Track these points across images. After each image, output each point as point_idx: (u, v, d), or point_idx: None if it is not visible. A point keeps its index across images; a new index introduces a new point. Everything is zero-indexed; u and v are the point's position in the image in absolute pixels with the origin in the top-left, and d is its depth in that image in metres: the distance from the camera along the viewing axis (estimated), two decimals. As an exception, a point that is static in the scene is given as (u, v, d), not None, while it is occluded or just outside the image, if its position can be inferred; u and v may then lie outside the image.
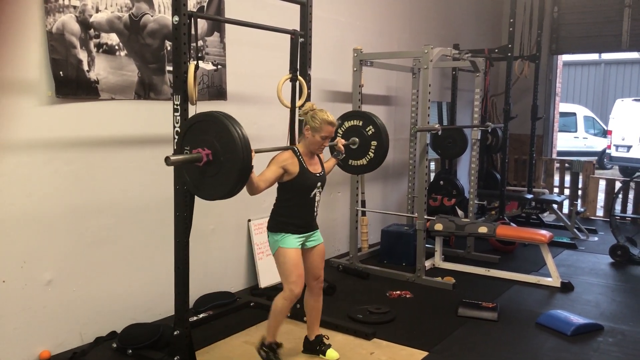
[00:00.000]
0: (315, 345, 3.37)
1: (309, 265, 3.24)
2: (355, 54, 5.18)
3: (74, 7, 3.26)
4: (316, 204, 3.18)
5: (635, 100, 13.53)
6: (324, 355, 3.34)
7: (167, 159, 2.64)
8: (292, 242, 3.08)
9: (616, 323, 4.05)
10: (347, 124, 4.07)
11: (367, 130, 3.97)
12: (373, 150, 3.96)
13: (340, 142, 3.62)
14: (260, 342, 3.24)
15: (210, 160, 2.70)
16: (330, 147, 3.77)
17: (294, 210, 3.11)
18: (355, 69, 5.19)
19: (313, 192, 3.13)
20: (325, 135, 3.09)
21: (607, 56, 19.66)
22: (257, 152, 2.86)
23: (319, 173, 3.16)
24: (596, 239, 6.75)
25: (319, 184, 3.15)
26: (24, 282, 3.18)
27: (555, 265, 4.91)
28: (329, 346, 3.37)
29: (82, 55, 3.32)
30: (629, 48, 8.21)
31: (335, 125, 3.15)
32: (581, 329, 3.82)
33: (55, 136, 3.26)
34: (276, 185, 3.13)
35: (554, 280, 4.86)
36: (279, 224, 3.11)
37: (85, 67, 3.34)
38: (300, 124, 3.75)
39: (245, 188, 2.82)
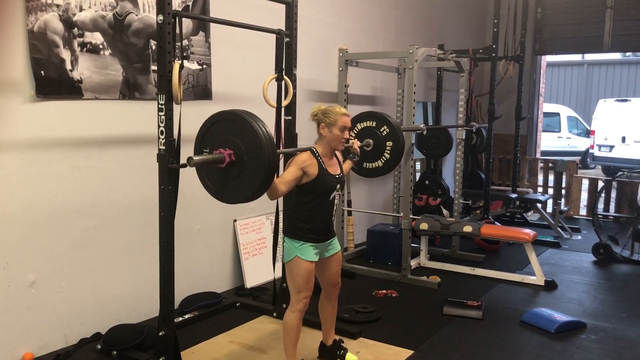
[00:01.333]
0: (335, 350, 3.31)
1: (327, 273, 3.17)
2: (341, 54, 5.19)
3: (57, 5, 3.24)
4: (335, 207, 3.09)
5: (618, 100, 13.71)
6: (344, 359, 3.29)
7: (189, 160, 2.58)
8: (310, 254, 2.97)
9: (599, 320, 4.10)
10: (359, 126, 4.03)
11: (381, 130, 3.91)
12: (389, 151, 3.88)
13: (356, 143, 3.51)
14: None
15: (232, 161, 2.63)
16: (345, 151, 3.71)
17: (312, 213, 2.99)
18: (340, 69, 5.20)
19: (332, 195, 3.01)
20: (343, 126, 2.97)
21: (590, 57, 19.87)
22: (279, 153, 2.78)
23: (338, 175, 3.05)
24: (579, 237, 6.82)
25: (338, 185, 3.04)
26: (7, 283, 3.14)
27: (539, 263, 4.96)
28: (347, 350, 3.33)
29: (65, 55, 3.29)
30: (610, 49, 8.32)
31: (350, 115, 3.05)
32: (564, 326, 3.87)
33: (38, 136, 3.23)
34: (294, 190, 3.02)
35: (538, 279, 4.90)
36: (298, 230, 2.99)
37: (68, 67, 3.31)
38: (290, 124, 3.77)
39: (266, 193, 2.75)
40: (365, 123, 4.01)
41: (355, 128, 4.05)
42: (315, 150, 3.00)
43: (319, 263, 3.10)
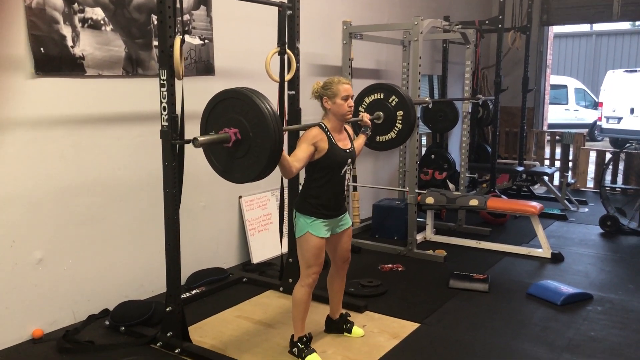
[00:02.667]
0: (342, 324, 3.34)
1: (339, 249, 3.17)
2: (345, 27, 5.12)
3: (56, -19, 3.19)
4: (346, 182, 3.06)
5: (627, 71, 13.52)
6: (350, 333, 3.33)
7: (194, 141, 2.56)
8: (322, 230, 2.96)
9: (605, 292, 4.10)
10: (367, 100, 3.96)
11: (390, 101, 3.84)
12: (400, 121, 3.81)
13: (366, 116, 3.47)
14: (290, 341, 3.08)
15: (238, 140, 2.60)
16: (356, 126, 3.67)
17: (324, 189, 2.96)
18: (344, 42, 5.13)
19: (343, 170, 2.98)
20: (345, 95, 2.92)
21: (598, 27, 19.59)
22: (284, 130, 2.75)
23: (348, 149, 3.01)
24: (586, 210, 6.80)
25: (349, 160, 3.01)
26: (14, 261, 3.16)
27: (545, 236, 4.94)
28: (353, 323, 3.36)
29: (66, 31, 3.25)
30: (620, 18, 8.17)
31: (349, 83, 3.00)
32: (571, 298, 3.87)
33: (41, 114, 3.22)
34: (305, 166, 2.98)
35: (544, 251, 4.90)
36: (309, 206, 2.96)
37: (70, 43, 3.28)
38: (293, 99, 3.74)
39: (280, 171, 2.73)
40: (373, 96, 3.94)
41: (364, 102, 4.00)
42: (324, 125, 2.97)
43: (331, 239, 3.09)
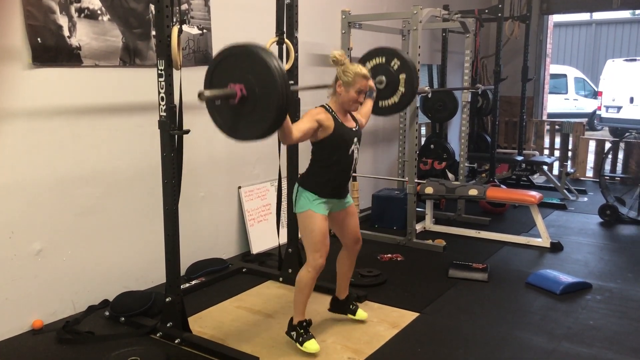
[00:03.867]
0: (348, 305, 3.36)
1: (348, 229, 3.17)
2: (344, 16, 5.09)
3: (52, -30, 3.16)
4: (354, 162, 3.03)
5: (626, 60, 13.48)
6: (354, 315, 3.35)
7: (200, 94, 2.49)
8: (322, 208, 2.94)
9: (604, 281, 4.11)
10: (369, 65, 3.90)
11: (392, 65, 3.78)
12: (403, 85, 3.77)
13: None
14: (288, 324, 3.07)
15: (244, 96, 2.54)
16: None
17: (332, 169, 2.94)
18: (343, 31, 5.10)
19: (351, 149, 2.96)
20: (360, 89, 2.89)
21: (598, 16, 19.50)
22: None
23: (354, 128, 3.00)
24: (586, 199, 6.80)
25: (355, 139, 2.97)
26: (13, 252, 3.16)
27: (545, 225, 4.94)
28: (358, 306, 3.38)
29: (62, 21, 3.23)
30: (619, 7, 8.13)
31: (369, 78, 2.96)
32: (570, 287, 3.87)
33: (39, 105, 3.20)
34: (311, 148, 2.99)
35: (543, 241, 4.90)
36: (314, 184, 2.93)
37: (66, 33, 3.25)
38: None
39: (279, 135, 2.66)
40: (374, 61, 3.87)
41: (365, 67, 3.96)
42: (329, 106, 2.95)
43: (337, 219, 3.10)
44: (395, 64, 3.77)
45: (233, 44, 2.63)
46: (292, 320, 3.06)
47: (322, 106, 2.94)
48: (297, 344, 2.99)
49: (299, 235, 3.06)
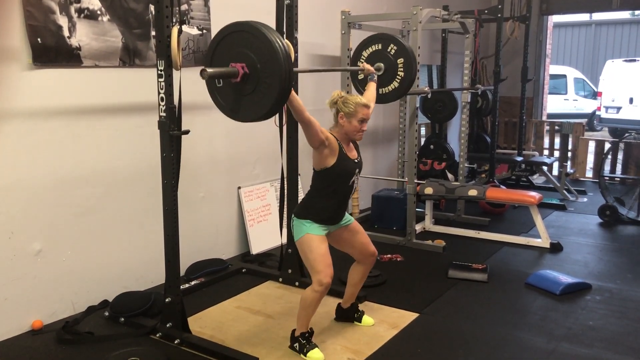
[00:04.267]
0: (353, 313, 3.36)
1: (359, 246, 3.16)
2: (343, 17, 5.09)
3: (52, -30, 3.16)
4: (353, 191, 3.06)
5: (626, 61, 13.48)
6: (360, 322, 3.34)
7: (202, 72, 2.46)
8: (318, 229, 2.94)
9: (604, 281, 4.11)
10: (365, 53, 3.90)
11: (389, 50, 3.78)
12: (402, 69, 3.75)
13: (366, 65, 3.47)
14: (291, 337, 3.05)
15: (246, 74, 2.51)
16: (359, 81, 3.55)
17: (330, 199, 2.96)
18: (343, 31, 5.11)
19: (352, 180, 2.99)
20: (362, 118, 2.91)
21: (597, 17, 19.51)
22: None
23: (356, 159, 3.02)
24: (585, 199, 6.80)
25: (357, 170, 3.01)
26: (13, 253, 3.16)
27: (544, 226, 4.95)
28: (363, 313, 3.38)
29: (62, 21, 3.23)
30: (619, 7, 8.13)
31: (370, 107, 2.98)
32: (570, 288, 3.87)
33: (38, 105, 3.20)
34: (312, 175, 3.01)
35: (543, 241, 4.90)
36: (310, 210, 2.96)
37: (66, 34, 3.25)
38: (293, 87, 3.71)
39: (292, 111, 2.62)
40: (371, 48, 3.87)
41: (362, 56, 3.95)
42: (334, 135, 2.95)
43: (341, 239, 3.12)
44: (392, 49, 3.78)
45: (233, 23, 2.59)
46: (294, 333, 3.05)
47: (329, 132, 2.94)
48: (302, 355, 2.97)
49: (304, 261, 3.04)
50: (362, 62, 3.80)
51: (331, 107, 2.99)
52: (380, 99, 3.89)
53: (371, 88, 3.39)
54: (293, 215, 3.04)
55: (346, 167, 2.94)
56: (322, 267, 2.88)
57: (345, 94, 2.99)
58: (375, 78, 3.46)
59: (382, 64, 3.77)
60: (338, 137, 2.95)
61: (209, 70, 2.51)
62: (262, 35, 2.48)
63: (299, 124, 2.80)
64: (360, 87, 4.05)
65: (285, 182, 3.83)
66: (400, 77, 3.77)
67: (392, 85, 3.80)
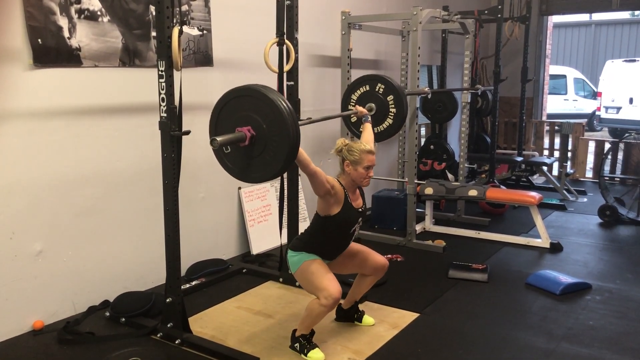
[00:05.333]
0: (353, 313, 3.36)
1: (366, 263, 3.18)
2: (344, 17, 5.10)
3: (53, -29, 3.17)
4: (352, 238, 3.10)
5: (626, 61, 13.49)
6: (360, 322, 3.35)
7: (213, 142, 2.51)
8: (315, 256, 2.97)
9: (604, 281, 4.11)
10: (354, 96, 3.99)
11: (377, 90, 3.85)
12: (393, 106, 3.81)
13: (358, 107, 3.54)
14: (291, 337, 3.04)
15: (254, 137, 2.55)
16: (352, 123, 3.64)
17: (329, 242, 3.01)
18: (343, 32, 5.11)
19: (353, 228, 3.03)
20: (368, 165, 2.94)
21: (597, 17, 19.52)
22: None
23: (360, 208, 3.04)
24: (585, 200, 6.81)
25: (360, 219, 3.05)
26: (14, 253, 3.16)
27: (544, 226, 4.95)
28: (364, 313, 3.38)
29: (63, 22, 3.24)
30: (619, 8, 8.13)
31: (375, 153, 3.00)
32: (570, 288, 3.88)
33: (38, 105, 3.21)
34: (314, 217, 3.04)
35: (543, 241, 4.91)
36: (306, 246, 2.98)
37: (66, 34, 3.26)
38: (292, 90, 3.73)
39: (299, 166, 2.69)
40: (359, 90, 3.97)
41: (352, 99, 4.01)
42: (340, 182, 2.97)
43: (346, 264, 3.15)
44: (380, 88, 3.86)
45: (232, 89, 2.64)
46: (294, 333, 3.05)
47: (336, 180, 2.96)
48: (302, 355, 2.97)
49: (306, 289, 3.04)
50: (353, 105, 3.82)
51: (337, 155, 3.02)
52: (377, 137, 4.00)
53: (368, 129, 3.40)
54: (288, 249, 3.06)
55: (349, 217, 2.97)
56: (326, 282, 2.87)
57: (349, 141, 3.02)
58: (370, 119, 3.50)
59: (373, 104, 3.84)
60: (345, 184, 2.97)
61: (219, 138, 2.54)
62: (263, 96, 2.53)
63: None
64: (355, 129, 4.11)
65: (285, 183, 3.84)
66: (393, 114, 3.84)
67: (386, 122, 3.88)
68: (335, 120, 5.29)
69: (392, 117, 3.85)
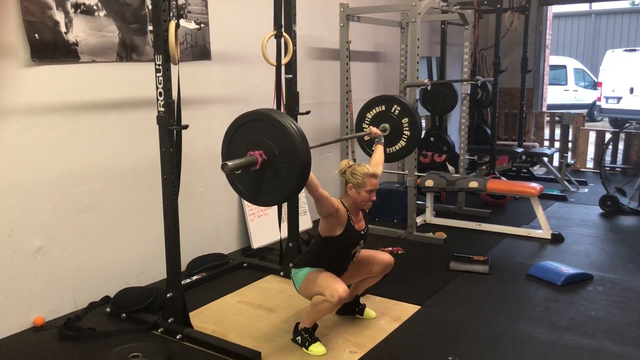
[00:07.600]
0: (354, 307, 3.36)
1: (372, 265, 3.20)
2: (342, 9, 5.06)
3: (48, -35, 3.14)
4: (353, 259, 3.11)
5: (626, 50, 13.45)
6: (362, 315, 3.35)
7: (224, 166, 2.52)
8: (317, 268, 2.98)
9: (605, 272, 4.10)
10: (369, 115, 3.99)
11: (392, 111, 3.86)
12: (407, 128, 3.84)
13: (372, 128, 3.57)
14: (294, 330, 3.05)
15: (265, 161, 2.57)
16: (365, 142, 3.65)
17: (331, 263, 3.00)
18: (342, 24, 5.08)
19: (354, 250, 3.04)
20: (370, 189, 2.95)
21: (597, 6, 19.44)
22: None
23: (363, 230, 3.06)
24: (586, 190, 6.79)
25: (362, 241, 3.06)
26: (13, 250, 3.15)
27: (545, 217, 4.94)
28: (365, 306, 3.38)
29: (59, 17, 3.21)
30: (619, -3, 8.09)
31: (378, 176, 3.01)
32: (571, 278, 3.87)
33: (36, 101, 3.19)
34: (315, 237, 3.06)
35: (544, 232, 4.90)
36: (309, 263, 3.00)
37: (63, 29, 3.24)
38: (290, 83, 3.71)
39: (307, 190, 2.72)
40: (375, 110, 3.97)
41: (366, 118, 3.99)
42: (343, 204, 2.98)
43: (352, 273, 3.16)
44: (396, 109, 3.86)
45: (245, 113, 2.65)
46: (297, 326, 3.05)
47: (339, 201, 2.97)
48: (303, 348, 2.97)
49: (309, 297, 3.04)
50: (367, 126, 3.81)
51: (340, 177, 3.03)
52: (389, 158, 3.99)
53: (379, 151, 3.44)
54: (292, 268, 3.09)
55: (350, 239, 2.99)
56: (332, 282, 2.88)
57: (353, 163, 3.02)
58: (382, 140, 3.52)
59: (387, 125, 3.83)
60: (347, 206, 2.99)
61: (230, 163, 2.55)
62: (276, 121, 2.54)
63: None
64: (368, 148, 4.10)
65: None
66: (406, 136, 3.84)
67: (398, 144, 3.89)
68: (334, 111, 5.28)
69: (405, 140, 3.85)
